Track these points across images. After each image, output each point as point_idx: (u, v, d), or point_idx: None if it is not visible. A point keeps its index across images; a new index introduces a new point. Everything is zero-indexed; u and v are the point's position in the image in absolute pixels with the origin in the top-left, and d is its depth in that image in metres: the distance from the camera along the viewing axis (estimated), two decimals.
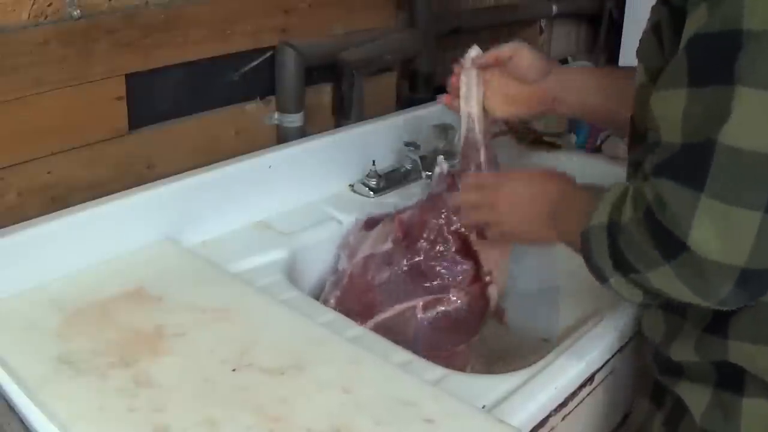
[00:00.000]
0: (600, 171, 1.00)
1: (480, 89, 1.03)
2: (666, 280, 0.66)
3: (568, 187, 0.88)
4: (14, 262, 0.90)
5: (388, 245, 1.03)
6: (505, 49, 1.02)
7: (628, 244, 0.69)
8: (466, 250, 1.02)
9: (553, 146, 1.51)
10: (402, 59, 1.48)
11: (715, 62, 0.61)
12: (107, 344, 0.81)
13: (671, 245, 0.64)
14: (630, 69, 0.85)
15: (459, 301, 1.00)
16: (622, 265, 0.70)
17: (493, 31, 1.71)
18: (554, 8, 1.81)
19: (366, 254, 1.04)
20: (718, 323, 0.74)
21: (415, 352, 0.88)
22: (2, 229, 0.91)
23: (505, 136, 1.52)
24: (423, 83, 1.51)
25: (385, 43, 1.40)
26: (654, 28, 0.75)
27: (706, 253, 0.62)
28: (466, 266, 1.01)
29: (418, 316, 1.00)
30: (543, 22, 1.86)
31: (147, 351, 0.80)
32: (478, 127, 1.03)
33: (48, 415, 0.72)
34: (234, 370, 0.78)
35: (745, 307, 0.70)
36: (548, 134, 1.54)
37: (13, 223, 0.93)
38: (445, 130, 1.35)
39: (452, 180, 1.07)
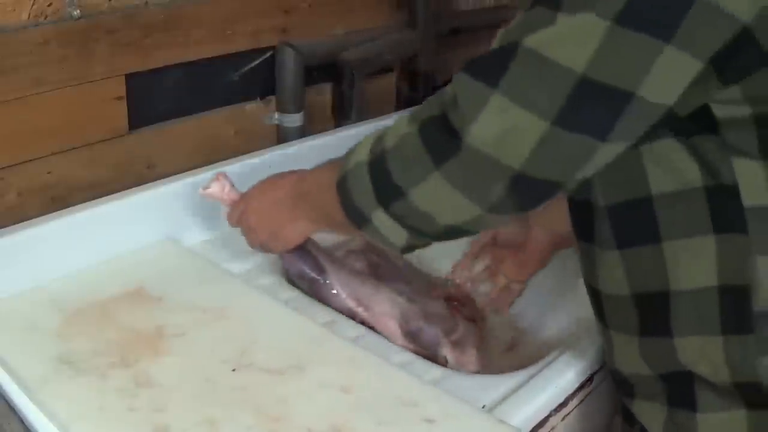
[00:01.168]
0: None
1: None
2: (434, 190, 0.65)
3: (303, 173, 0.86)
4: (14, 262, 0.90)
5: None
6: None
7: (395, 162, 0.68)
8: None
9: None
10: (402, 59, 1.48)
11: None
12: (107, 344, 0.81)
13: (448, 144, 0.63)
14: None
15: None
16: (387, 194, 0.69)
17: (493, 31, 1.71)
18: None
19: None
20: (657, 322, 0.70)
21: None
22: (2, 229, 0.91)
23: None
24: (423, 83, 1.51)
25: (385, 43, 1.40)
26: None
27: (482, 147, 0.61)
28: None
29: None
30: None
31: (147, 351, 0.80)
32: None
33: (48, 415, 0.72)
34: (234, 370, 0.78)
35: (683, 298, 0.68)
36: None
37: (13, 223, 0.93)
38: None
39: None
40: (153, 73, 1.09)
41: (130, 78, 1.06)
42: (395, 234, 0.71)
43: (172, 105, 1.13)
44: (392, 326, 0.94)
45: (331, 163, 0.80)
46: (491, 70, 0.62)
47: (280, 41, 1.23)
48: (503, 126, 0.60)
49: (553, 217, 0.89)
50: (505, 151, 0.61)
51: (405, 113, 0.71)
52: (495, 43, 0.64)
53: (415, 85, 1.51)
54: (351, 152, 0.75)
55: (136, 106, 1.08)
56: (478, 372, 0.91)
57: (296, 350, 0.82)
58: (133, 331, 0.84)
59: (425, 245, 0.74)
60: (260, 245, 0.93)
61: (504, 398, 0.79)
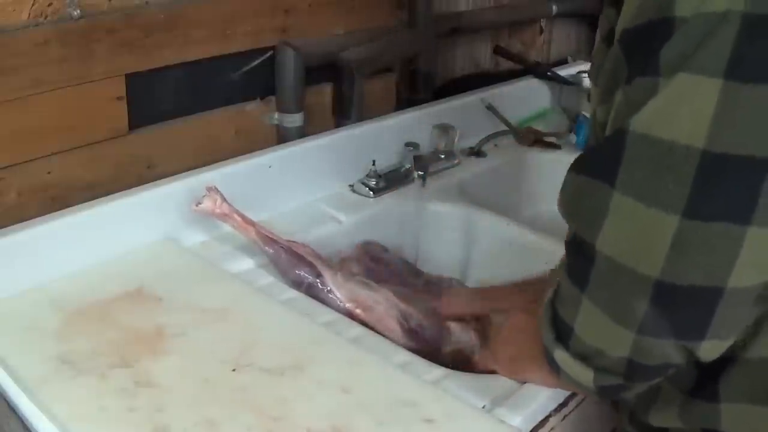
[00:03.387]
0: None
1: None
2: (589, 318, 0.59)
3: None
4: (14, 262, 0.90)
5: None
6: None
7: (559, 297, 0.63)
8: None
9: (553, 146, 1.51)
10: (402, 59, 1.48)
11: (641, 54, 0.53)
12: (107, 344, 0.81)
13: (583, 263, 0.58)
14: None
15: None
16: (561, 332, 0.63)
17: (493, 31, 1.71)
18: (554, 8, 1.81)
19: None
20: (706, 383, 0.64)
21: None
22: (2, 229, 0.92)
23: (506, 137, 1.52)
24: (423, 83, 1.51)
25: (385, 43, 1.40)
26: (606, 38, 0.65)
27: (615, 256, 0.55)
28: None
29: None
30: (543, 22, 1.86)
31: (147, 351, 0.80)
32: None
33: (48, 415, 0.72)
34: (234, 370, 0.78)
35: (736, 364, 0.61)
36: (548, 134, 1.54)
37: (13, 223, 0.93)
38: (445, 130, 1.35)
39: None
40: (153, 73, 1.09)
41: (130, 78, 1.06)
42: (582, 374, 0.64)
43: (172, 105, 1.13)
44: (393, 325, 0.94)
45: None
46: (604, 165, 0.55)
47: (280, 41, 1.23)
48: (631, 229, 0.54)
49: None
50: (639, 259, 0.54)
51: None
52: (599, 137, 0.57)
53: (415, 85, 1.51)
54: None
55: (136, 106, 1.08)
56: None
57: (296, 350, 0.82)
58: (133, 331, 0.84)
59: (623, 390, 0.65)
60: (481, 365, 0.88)
61: (504, 398, 0.79)
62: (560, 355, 0.65)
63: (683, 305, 0.54)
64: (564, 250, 0.64)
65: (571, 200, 0.59)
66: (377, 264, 1.09)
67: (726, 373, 0.62)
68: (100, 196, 1.00)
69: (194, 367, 0.79)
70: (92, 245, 0.96)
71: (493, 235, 1.21)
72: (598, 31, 0.70)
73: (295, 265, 0.99)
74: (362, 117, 1.34)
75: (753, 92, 0.48)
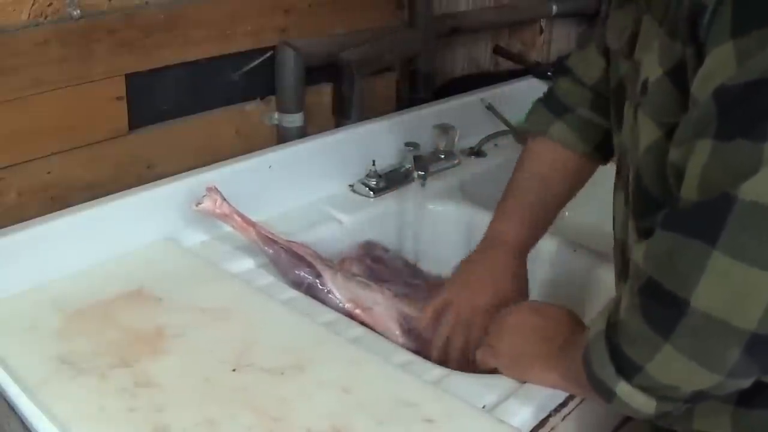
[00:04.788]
0: (600, 169, 0.99)
1: None
2: (668, 362, 0.61)
3: (561, 318, 0.82)
4: (14, 262, 0.90)
5: None
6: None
7: (625, 336, 0.64)
8: None
9: None
10: (402, 59, 1.48)
11: (745, 115, 0.55)
12: (107, 344, 0.81)
13: (670, 314, 0.59)
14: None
15: None
16: (624, 368, 0.64)
17: (493, 31, 1.71)
18: (554, 8, 1.81)
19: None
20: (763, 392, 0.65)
21: None
22: (2, 229, 0.92)
23: (506, 137, 1.52)
24: (423, 83, 1.51)
25: (385, 43, 1.40)
26: (672, 74, 0.65)
27: (711, 312, 0.57)
28: None
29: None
30: (543, 22, 1.86)
31: (147, 351, 0.80)
32: None
33: (48, 415, 0.72)
34: (234, 370, 0.78)
35: None
36: None
37: (13, 223, 0.93)
38: (445, 130, 1.35)
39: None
40: (153, 73, 1.09)
41: (130, 78, 1.06)
42: (644, 404, 0.66)
43: (172, 105, 1.13)
44: (392, 326, 0.94)
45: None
46: (707, 227, 0.57)
47: (280, 41, 1.23)
48: (729, 287, 0.56)
49: None
50: (736, 314, 0.56)
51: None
52: (694, 190, 0.58)
53: (415, 85, 1.51)
54: (595, 318, 0.70)
55: (136, 106, 1.08)
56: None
57: (296, 350, 0.82)
58: (133, 332, 0.84)
59: (679, 411, 0.67)
60: (481, 361, 0.87)
61: (504, 398, 0.79)
62: (623, 388, 0.66)
63: None
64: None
65: (662, 255, 0.60)
66: (378, 264, 1.09)
67: None
68: (100, 196, 1.00)
69: (194, 367, 0.79)
70: (92, 245, 0.96)
71: None
72: (655, 61, 0.67)
73: (295, 265, 0.99)
74: (362, 117, 1.34)
75: None
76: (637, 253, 0.64)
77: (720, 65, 0.57)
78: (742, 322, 0.56)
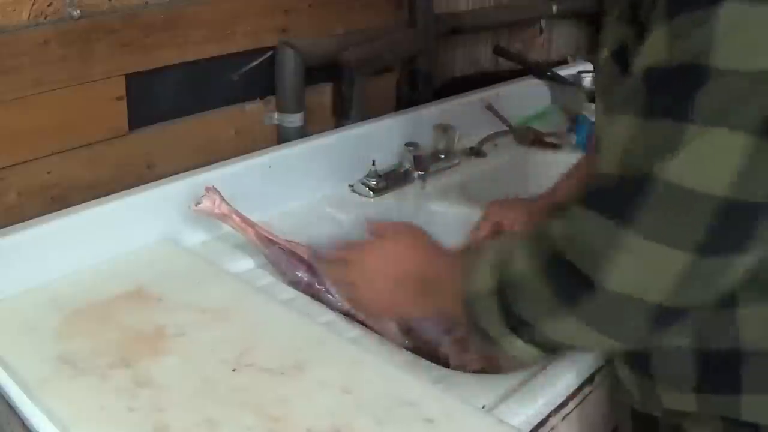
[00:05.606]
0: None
1: None
2: (568, 328, 0.62)
3: (426, 256, 0.81)
4: (14, 262, 0.90)
5: None
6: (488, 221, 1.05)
7: (522, 300, 0.64)
8: None
9: (553, 146, 1.51)
10: (402, 59, 1.48)
11: (672, 96, 0.56)
12: (107, 344, 0.81)
13: (578, 287, 0.59)
14: None
15: None
16: (517, 326, 0.65)
17: (493, 31, 1.71)
18: (554, 8, 1.81)
19: None
20: (723, 377, 0.68)
21: None
22: (2, 229, 0.92)
23: (506, 137, 1.52)
24: (423, 83, 1.51)
25: (385, 43, 1.40)
26: (616, 54, 0.67)
27: (623, 290, 0.58)
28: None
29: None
30: (543, 22, 1.86)
31: (147, 351, 0.80)
32: None
33: (48, 415, 0.72)
34: (234, 370, 0.78)
35: (757, 356, 0.66)
36: (548, 134, 1.54)
37: (13, 223, 0.93)
38: (445, 130, 1.35)
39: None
40: (153, 73, 1.09)
41: (130, 78, 1.06)
42: (529, 354, 0.67)
43: (172, 105, 1.13)
44: (390, 325, 0.94)
45: (457, 257, 0.77)
46: (622, 206, 0.57)
47: (280, 41, 1.23)
48: (641, 266, 0.57)
49: None
50: (648, 290, 0.58)
51: (522, 238, 0.67)
52: (616, 166, 0.59)
53: (415, 85, 1.51)
54: (472, 269, 0.70)
55: (136, 106, 1.08)
56: (482, 370, 0.91)
57: (296, 350, 0.82)
58: (133, 331, 0.84)
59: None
60: (362, 308, 0.90)
61: (504, 398, 0.79)
62: (512, 343, 0.67)
63: None
64: None
65: (578, 233, 0.61)
66: None
67: (746, 365, 0.66)
68: (100, 196, 1.00)
69: (194, 367, 0.79)
70: (92, 245, 0.96)
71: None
72: (602, 39, 0.71)
73: (294, 265, 0.99)
74: (362, 117, 1.34)
75: None
76: (554, 224, 0.63)
77: (654, 46, 0.58)
78: (652, 297, 0.58)
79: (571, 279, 0.60)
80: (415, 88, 1.51)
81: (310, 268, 0.99)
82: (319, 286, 0.97)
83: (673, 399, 0.73)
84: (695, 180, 0.54)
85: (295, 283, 0.99)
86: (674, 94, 0.55)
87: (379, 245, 0.85)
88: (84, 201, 0.98)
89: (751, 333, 0.66)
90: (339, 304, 0.96)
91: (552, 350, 0.68)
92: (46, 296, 0.89)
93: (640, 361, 0.74)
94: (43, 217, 0.94)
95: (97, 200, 0.99)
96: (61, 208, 0.97)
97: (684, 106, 0.54)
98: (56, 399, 0.73)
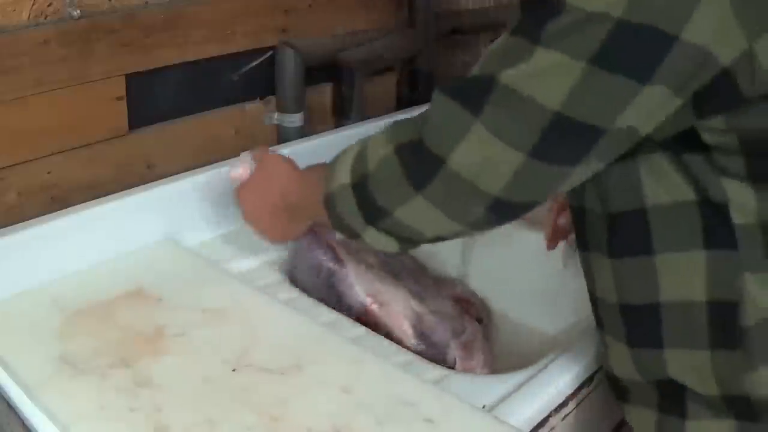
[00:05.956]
0: None
1: None
2: (418, 211, 0.69)
3: (289, 180, 0.90)
4: (14, 262, 0.90)
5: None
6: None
7: (377, 186, 0.71)
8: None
9: None
10: (402, 59, 1.48)
11: (533, 21, 0.61)
12: (107, 344, 0.81)
13: (428, 167, 0.66)
14: None
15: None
16: (373, 215, 0.73)
17: (493, 31, 1.71)
18: None
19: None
20: (646, 333, 0.72)
21: None
22: (2, 229, 0.92)
23: None
24: (423, 83, 1.51)
25: (385, 43, 1.40)
26: None
27: (463, 173, 0.64)
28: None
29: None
30: None
31: (147, 351, 0.80)
32: None
33: (48, 415, 0.72)
34: (234, 370, 0.78)
35: (673, 310, 0.69)
36: None
37: (13, 223, 0.93)
38: None
39: None
40: (153, 73, 1.09)
41: (130, 78, 1.06)
42: (387, 244, 0.76)
43: (172, 105, 1.13)
44: (405, 326, 0.93)
45: (315, 172, 0.84)
46: (472, 100, 0.64)
47: (280, 41, 1.23)
48: (483, 155, 0.63)
49: None
50: (484, 179, 0.64)
51: (387, 124, 0.75)
52: (477, 67, 0.65)
53: (415, 85, 1.51)
54: (333, 169, 0.78)
55: (136, 106, 1.08)
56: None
57: (296, 350, 0.82)
58: (133, 331, 0.84)
59: (417, 247, 0.78)
60: (261, 236, 0.96)
61: (504, 398, 0.79)
62: (370, 233, 0.75)
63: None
64: None
65: (434, 117, 0.67)
66: (390, 257, 1.07)
67: (662, 321, 0.70)
68: (100, 196, 1.00)
69: (194, 367, 0.79)
70: (92, 245, 0.96)
71: (493, 235, 1.21)
72: None
73: (318, 248, 0.97)
74: (362, 117, 1.34)
75: (605, 78, 0.58)
76: (413, 116, 0.70)
77: None
78: (488, 187, 0.64)
79: (422, 161, 0.67)
80: (415, 88, 1.51)
81: (334, 254, 0.97)
82: (341, 276, 0.95)
83: (616, 355, 0.76)
84: (532, 90, 0.60)
85: (314, 269, 0.97)
86: (534, 20, 0.61)
87: (251, 182, 0.93)
88: (84, 201, 0.98)
89: (666, 284, 0.69)
90: (358, 297, 0.95)
91: (409, 240, 0.74)
92: (46, 296, 0.89)
93: (594, 312, 0.79)
94: (43, 217, 0.94)
95: (97, 200, 0.99)
96: (61, 208, 0.96)
97: (537, 30, 0.60)
98: (56, 399, 0.73)
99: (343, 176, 0.75)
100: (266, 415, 0.72)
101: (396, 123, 0.73)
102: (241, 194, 0.94)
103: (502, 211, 0.67)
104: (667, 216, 0.66)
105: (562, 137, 0.61)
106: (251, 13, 1.18)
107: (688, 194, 0.65)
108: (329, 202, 0.77)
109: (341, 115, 1.35)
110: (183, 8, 1.09)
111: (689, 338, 0.69)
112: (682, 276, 0.68)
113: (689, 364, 0.70)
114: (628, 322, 0.73)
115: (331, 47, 1.31)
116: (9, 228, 0.92)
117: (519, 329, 1.12)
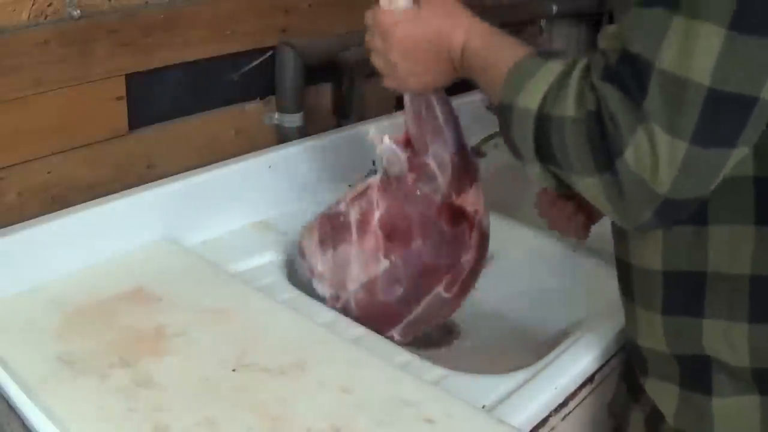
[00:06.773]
0: None
1: None
2: (590, 189, 0.66)
3: (478, 26, 0.88)
4: (14, 262, 0.90)
5: (383, 264, 0.98)
6: None
7: (560, 142, 0.66)
8: (455, 216, 1.00)
9: None
10: None
11: None
12: (107, 344, 0.81)
13: (608, 155, 0.63)
14: None
15: (468, 261, 0.99)
16: (546, 157, 0.68)
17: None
18: (554, 8, 1.81)
19: (364, 280, 0.98)
20: (688, 302, 0.73)
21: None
22: (2, 229, 0.92)
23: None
24: None
25: None
26: None
27: (637, 171, 0.61)
28: (464, 232, 0.99)
29: (444, 296, 0.99)
30: (543, 22, 1.86)
31: (147, 351, 0.80)
32: None
33: (48, 414, 0.72)
34: (234, 370, 0.78)
35: (719, 281, 0.70)
36: None
37: (13, 223, 0.93)
38: None
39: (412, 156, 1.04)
40: (153, 73, 1.09)
41: (130, 78, 1.06)
42: (545, 179, 0.72)
43: (172, 105, 1.13)
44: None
45: (505, 37, 0.84)
46: (635, 90, 0.61)
47: (280, 41, 1.23)
48: (653, 151, 0.60)
49: None
50: (656, 178, 0.61)
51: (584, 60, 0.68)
52: (623, 42, 0.62)
53: None
54: (521, 80, 0.71)
55: (136, 106, 1.08)
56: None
57: (296, 350, 0.82)
58: (133, 331, 0.84)
59: None
60: (384, 73, 0.94)
61: (504, 398, 0.79)
62: (534, 165, 0.71)
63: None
64: None
65: (606, 106, 0.63)
66: None
67: (707, 290, 0.71)
68: (100, 196, 1.00)
69: (194, 367, 0.79)
70: (92, 245, 0.96)
71: (493, 235, 1.21)
72: None
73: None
74: (362, 117, 1.34)
75: (746, 43, 0.57)
76: (605, 85, 0.63)
77: None
78: (660, 187, 0.61)
79: (603, 145, 0.63)
80: None
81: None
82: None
83: (645, 325, 0.77)
84: (685, 69, 0.58)
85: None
86: None
87: (414, 15, 0.90)
88: (84, 201, 0.98)
89: (717, 255, 0.70)
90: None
91: (569, 189, 0.70)
92: (46, 296, 0.89)
93: (624, 281, 0.79)
94: (43, 217, 0.94)
95: (97, 200, 0.99)
96: (61, 208, 0.97)
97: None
98: (56, 399, 0.73)
99: (532, 101, 0.69)
100: (266, 415, 0.72)
101: (584, 79, 0.66)
102: (401, 25, 0.89)
103: (671, 213, 0.64)
104: (723, 188, 0.65)
105: (718, 116, 0.59)
106: (251, 13, 1.18)
107: (747, 169, 0.66)
108: (506, 110, 0.72)
109: (341, 115, 1.35)
110: (183, 8, 1.09)
111: (730, 310, 0.71)
112: (730, 249, 0.69)
113: (725, 335, 0.71)
114: (670, 289, 0.73)
115: (331, 47, 1.31)
116: (9, 228, 0.92)
117: (519, 329, 1.12)
